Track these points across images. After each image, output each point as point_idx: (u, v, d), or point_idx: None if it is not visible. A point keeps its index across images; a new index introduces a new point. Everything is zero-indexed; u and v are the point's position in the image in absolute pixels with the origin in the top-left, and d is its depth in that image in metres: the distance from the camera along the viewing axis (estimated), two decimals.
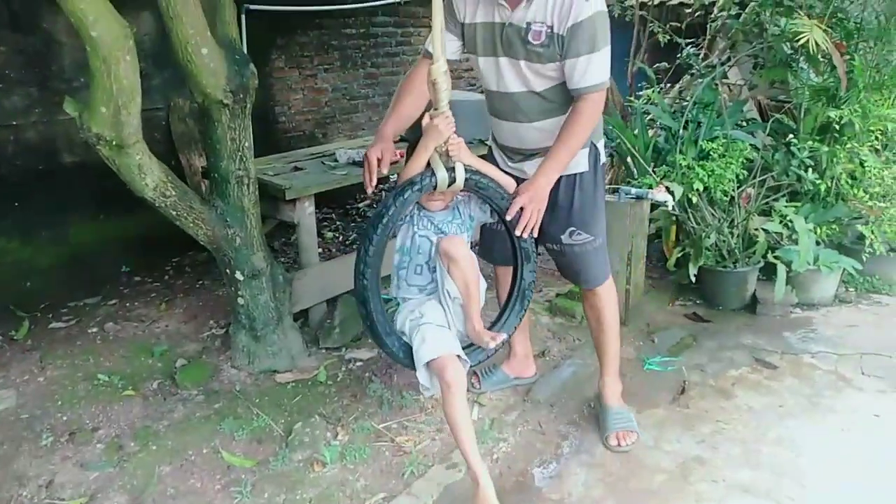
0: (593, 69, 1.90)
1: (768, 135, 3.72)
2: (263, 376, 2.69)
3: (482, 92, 2.24)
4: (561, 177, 2.06)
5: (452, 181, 1.84)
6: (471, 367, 2.01)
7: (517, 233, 1.96)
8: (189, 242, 4.08)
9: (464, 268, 1.90)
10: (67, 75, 3.58)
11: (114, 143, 2.02)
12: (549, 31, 1.89)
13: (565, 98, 1.98)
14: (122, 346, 3.00)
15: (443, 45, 1.76)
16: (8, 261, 3.51)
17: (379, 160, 1.98)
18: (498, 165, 2.17)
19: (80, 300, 3.50)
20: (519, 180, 2.08)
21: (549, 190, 1.99)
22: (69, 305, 3.45)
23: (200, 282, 3.76)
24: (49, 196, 3.61)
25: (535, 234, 2.02)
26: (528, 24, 1.90)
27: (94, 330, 3.19)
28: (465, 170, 1.86)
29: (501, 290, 2.41)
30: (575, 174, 2.09)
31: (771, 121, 3.67)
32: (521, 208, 1.93)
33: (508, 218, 1.94)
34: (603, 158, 2.18)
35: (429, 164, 1.85)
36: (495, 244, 2.30)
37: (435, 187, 1.84)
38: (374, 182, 1.99)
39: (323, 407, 2.47)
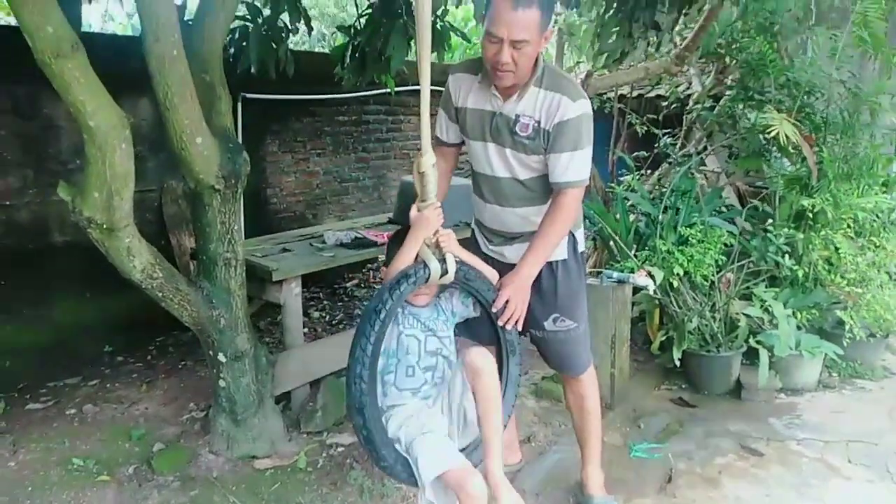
0: (574, 166, 1.98)
1: (745, 220, 3.85)
2: (242, 462, 2.63)
3: (468, 176, 2.32)
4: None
5: (444, 273, 1.82)
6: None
7: (501, 323, 1.94)
8: (173, 323, 4.06)
9: (488, 384, 1.80)
10: (63, 157, 3.68)
11: (105, 226, 2.07)
12: (536, 125, 1.98)
13: (545, 188, 2.06)
14: (100, 429, 2.93)
15: (429, 137, 1.84)
16: None
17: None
18: (479, 246, 2.23)
19: (61, 380, 3.45)
20: (497, 263, 2.13)
21: (531, 282, 2.02)
22: (48, 385, 3.39)
23: (183, 362, 3.72)
24: (36, 275, 3.63)
25: (520, 327, 2.01)
26: (518, 115, 1.99)
27: (73, 412, 3.12)
28: (455, 260, 1.85)
29: None
30: (556, 261, 2.14)
31: (747, 207, 3.79)
32: (507, 301, 1.93)
33: (495, 310, 1.94)
34: (581, 247, 2.24)
35: (418, 256, 1.83)
36: (478, 326, 2.30)
37: (428, 279, 1.81)
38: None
39: (301, 496, 2.41)
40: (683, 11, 3.41)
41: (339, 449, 2.73)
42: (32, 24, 1.70)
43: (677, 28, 5.00)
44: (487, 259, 2.19)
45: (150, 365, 3.71)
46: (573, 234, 2.18)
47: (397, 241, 1.90)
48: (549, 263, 2.13)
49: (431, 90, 1.78)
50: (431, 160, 1.81)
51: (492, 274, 1.98)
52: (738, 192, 4.55)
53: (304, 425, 2.86)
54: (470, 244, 2.30)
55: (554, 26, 6.47)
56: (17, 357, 3.53)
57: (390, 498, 2.38)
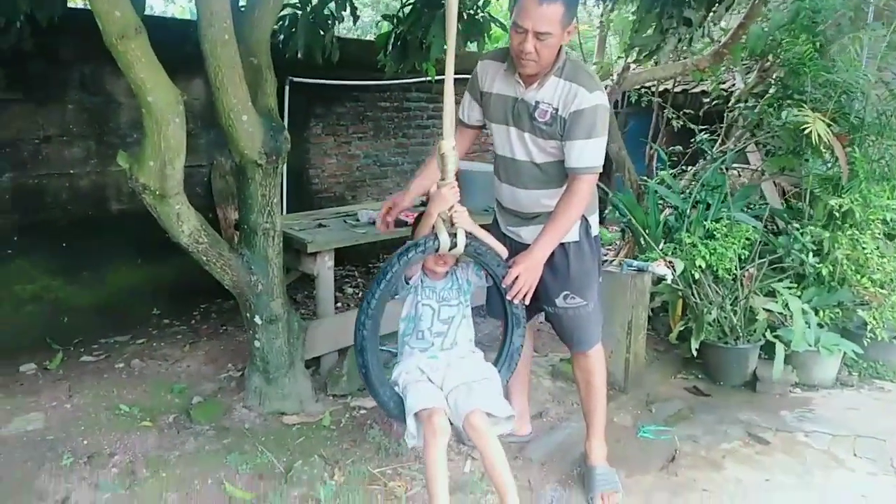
0: (588, 153, 2.09)
1: (777, 217, 3.87)
2: (272, 417, 2.84)
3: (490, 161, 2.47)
4: None
5: (454, 246, 1.97)
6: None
7: (509, 298, 2.09)
8: (216, 291, 4.34)
9: (488, 444, 1.97)
10: (122, 131, 3.95)
11: (157, 192, 2.28)
12: (554, 112, 2.11)
13: (560, 173, 2.19)
14: (145, 382, 3.19)
15: (453, 123, 1.98)
16: (50, 297, 3.78)
17: (394, 205, 2.32)
18: (498, 226, 2.37)
19: (112, 338, 3.74)
20: (514, 242, 2.26)
21: (543, 262, 2.13)
22: (100, 342, 3.69)
23: (224, 328, 3.98)
24: (93, 240, 3.91)
25: (527, 302, 2.14)
26: (538, 102, 2.13)
27: (121, 365, 3.40)
28: (466, 236, 2.00)
29: None
30: (568, 243, 2.26)
31: (768, 207, 3.82)
32: (517, 277, 2.07)
33: (504, 286, 2.07)
34: (595, 231, 2.35)
35: (433, 228, 2.00)
36: (495, 301, 2.45)
37: (437, 250, 1.97)
38: (386, 223, 2.33)
39: (324, 449, 2.61)
40: (713, 9, 3.44)
41: (362, 411, 2.92)
42: (103, 9, 1.91)
43: (721, 24, 5.02)
44: (505, 238, 2.34)
45: (194, 328, 3.98)
46: (586, 219, 2.29)
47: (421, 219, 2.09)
48: (563, 245, 2.26)
49: (459, 78, 1.94)
50: (452, 143, 1.97)
51: (501, 249, 2.12)
52: (783, 192, 4.54)
53: (330, 388, 3.06)
54: (491, 224, 2.46)
55: (601, 19, 6.51)
56: (75, 314, 3.83)
57: (404, 456, 2.56)
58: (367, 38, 8.53)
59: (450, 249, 1.98)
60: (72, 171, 3.80)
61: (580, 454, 2.55)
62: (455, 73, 1.94)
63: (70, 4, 3.79)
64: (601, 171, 2.15)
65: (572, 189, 2.13)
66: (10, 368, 3.29)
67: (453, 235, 1.97)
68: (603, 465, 2.42)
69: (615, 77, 5.42)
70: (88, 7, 2.05)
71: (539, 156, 2.21)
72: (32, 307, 3.71)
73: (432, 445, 1.92)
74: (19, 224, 3.65)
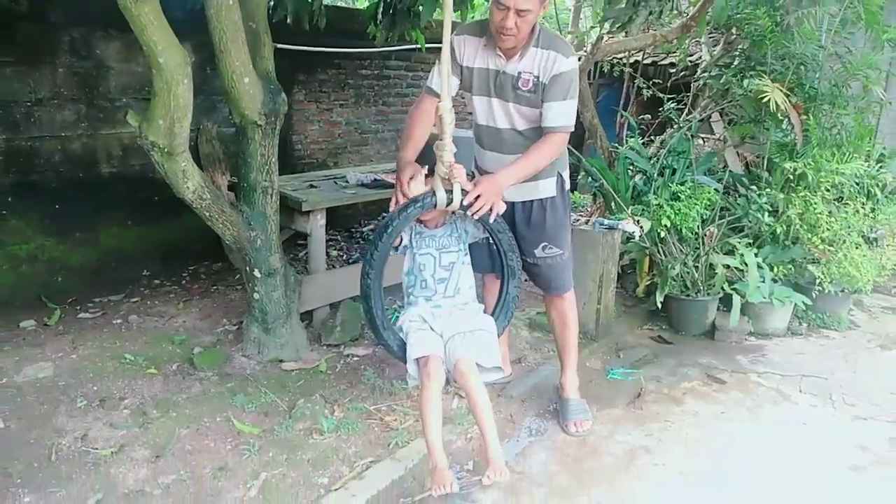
0: (563, 113, 2.31)
1: (737, 182, 4.16)
2: (271, 364, 3.04)
3: (470, 128, 2.66)
4: (534, 201, 2.48)
5: (450, 202, 2.14)
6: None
7: (470, 213, 2.15)
8: (205, 253, 4.48)
9: (474, 388, 2.15)
10: (112, 96, 4.02)
11: (166, 150, 2.43)
12: (535, 79, 2.31)
13: (539, 137, 2.37)
14: (145, 335, 3.35)
15: (448, 84, 2.16)
16: (44, 257, 3.89)
17: (411, 179, 2.24)
18: None
19: (106, 296, 3.87)
20: None
21: (504, 188, 2.24)
22: (95, 300, 3.82)
23: (215, 287, 4.13)
24: (85, 202, 4.01)
25: (491, 220, 2.20)
26: (520, 73, 2.32)
27: (119, 321, 3.55)
28: (462, 192, 2.17)
29: (489, 297, 2.77)
30: (545, 198, 2.49)
31: (728, 172, 4.09)
32: (479, 195, 2.15)
33: (466, 202, 2.14)
34: (567, 185, 2.58)
35: (430, 184, 2.19)
36: (477, 255, 2.66)
37: (435, 206, 2.14)
38: (402, 199, 2.21)
39: (323, 390, 2.82)
40: None
41: (355, 358, 3.14)
42: None
43: None
44: None
45: (185, 288, 4.12)
46: (560, 175, 2.52)
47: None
48: (541, 200, 2.48)
49: (438, 47, 2.12)
50: (449, 105, 2.15)
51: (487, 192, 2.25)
52: (746, 162, 4.83)
53: (324, 339, 3.26)
54: None
55: None
56: (68, 274, 3.95)
57: (397, 395, 2.79)
58: (343, 4, 8.55)
59: (447, 205, 2.16)
60: (63, 134, 3.88)
61: (555, 388, 2.81)
62: (434, 42, 2.10)
63: None
64: (573, 129, 2.35)
65: (546, 140, 2.31)
66: (11, 324, 3.41)
67: (450, 192, 2.15)
68: (576, 396, 2.69)
69: (589, 48, 5.62)
70: None
71: (521, 123, 2.41)
72: (27, 266, 3.82)
73: (426, 388, 2.13)
74: (13, 185, 3.73)
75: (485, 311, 2.44)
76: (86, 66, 3.87)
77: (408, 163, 2.30)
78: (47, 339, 3.26)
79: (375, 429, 2.56)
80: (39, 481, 2.20)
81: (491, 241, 2.38)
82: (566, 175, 2.58)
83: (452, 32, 2.40)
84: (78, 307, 3.71)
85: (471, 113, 2.55)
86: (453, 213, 2.28)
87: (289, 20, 3.45)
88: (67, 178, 3.94)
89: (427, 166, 2.28)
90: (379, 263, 2.18)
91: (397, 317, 2.41)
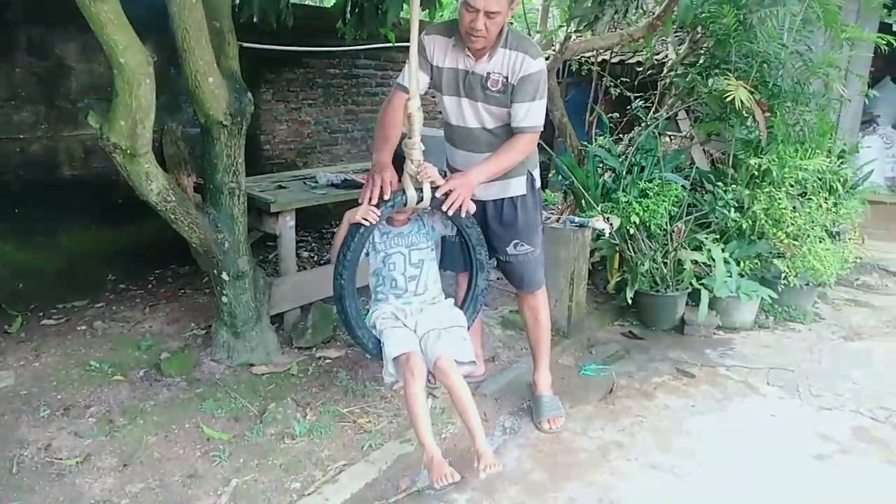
0: (532, 113, 2.33)
1: (703, 179, 4.22)
2: (241, 368, 3.00)
3: (440, 127, 2.66)
4: (504, 199, 2.50)
5: (420, 199, 2.18)
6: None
7: (444, 208, 2.19)
8: (171, 256, 4.39)
9: (455, 384, 2.21)
10: (73, 97, 3.93)
11: (128, 151, 2.37)
12: (504, 80, 2.33)
13: (509, 135, 2.40)
14: (111, 341, 3.28)
15: (417, 83, 2.15)
16: (4, 263, 3.78)
17: (383, 182, 2.21)
18: None
19: (69, 302, 3.77)
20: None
21: (476, 184, 2.28)
22: (58, 306, 3.71)
23: (182, 291, 4.05)
24: (46, 205, 3.91)
25: (463, 214, 2.23)
26: (489, 73, 2.33)
27: (83, 328, 3.46)
28: (431, 189, 2.19)
29: (460, 293, 2.76)
30: (516, 196, 2.51)
31: (695, 168, 4.15)
32: (450, 190, 2.20)
33: (438, 195, 2.18)
34: (538, 184, 2.60)
35: (400, 184, 2.20)
36: (450, 255, 2.67)
37: (405, 204, 2.18)
38: (375, 198, 2.18)
39: (294, 393, 2.79)
40: None
41: (327, 361, 3.10)
42: None
43: None
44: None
45: (151, 292, 4.04)
46: (531, 173, 2.54)
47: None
48: (511, 199, 2.49)
49: (407, 46, 2.12)
50: (418, 104, 2.15)
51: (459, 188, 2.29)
52: (713, 160, 4.91)
53: (295, 341, 3.22)
54: None
55: None
56: (30, 279, 3.84)
57: (370, 397, 2.77)
58: (309, 2, 8.48)
59: (417, 203, 2.18)
60: (22, 136, 3.77)
61: (528, 386, 2.82)
62: (407, 41, 2.12)
63: None
64: (542, 129, 2.38)
65: (516, 140, 2.35)
66: None
67: (419, 190, 2.17)
68: (549, 393, 2.70)
69: (557, 46, 5.66)
70: None
71: (490, 122, 2.42)
72: None
73: (411, 384, 2.17)
74: None
75: (455, 304, 2.49)
76: (45, 67, 3.77)
77: (385, 165, 2.28)
78: (8, 348, 3.16)
79: (348, 431, 2.54)
80: (0, 495, 2.13)
81: (460, 236, 2.41)
82: (536, 174, 2.60)
83: (422, 32, 2.40)
84: (40, 314, 3.61)
85: (441, 112, 2.55)
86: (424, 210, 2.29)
87: (255, 19, 3.39)
88: (27, 181, 3.84)
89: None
90: (351, 264, 2.21)
91: (368, 316, 2.40)
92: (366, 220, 2.14)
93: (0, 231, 3.75)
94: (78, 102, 3.93)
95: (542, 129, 2.37)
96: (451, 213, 2.21)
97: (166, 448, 2.42)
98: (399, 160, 2.23)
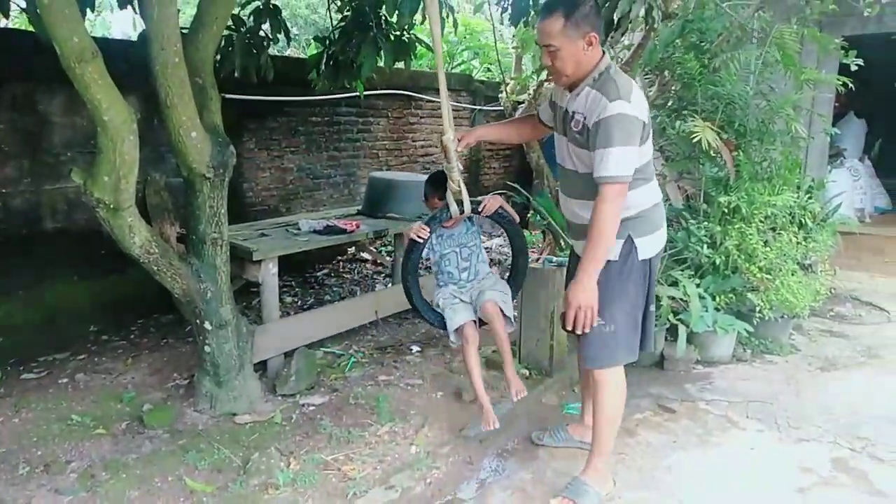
0: (606, 162, 2.07)
1: (677, 216, 4.33)
2: (224, 418, 2.99)
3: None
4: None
5: (462, 212, 2.56)
6: None
7: (569, 327, 2.22)
8: (153, 306, 4.40)
9: (498, 328, 2.71)
10: (56, 151, 3.97)
11: (112, 206, 2.42)
12: (584, 121, 2.16)
13: (594, 185, 2.13)
14: (92, 394, 3.26)
15: (450, 120, 2.42)
16: None
17: (459, 140, 2.45)
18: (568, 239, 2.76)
19: (51, 355, 3.76)
20: (575, 256, 2.46)
21: (591, 286, 2.13)
22: (39, 360, 3.70)
23: (165, 340, 4.05)
24: (29, 258, 3.91)
25: (586, 329, 2.17)
26: (573, 112, 2.20)
27: (65, 381, 3.44)
28: (471, 202, 2.57)
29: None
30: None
31: (668, 204, 4.26)
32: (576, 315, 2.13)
33: (567, 325, 2.22)
34: (641, 255, 2.26)
35: (445, 201, 2.58)
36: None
37: (450, 217, 2.58)
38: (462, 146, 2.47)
39: (278, 442, 2.78)
40: (610, 33, 3.87)
41: (311, 407, 3.11)
42: (62, 35, 2.05)
43: (625, 41, 5.51)
44: (572, 252, 2.54)
45: (134, 343, 4.03)
46: (632, 238, 2.24)
47: (430, 181, 2.80)
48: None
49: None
50: (451, 136, 2.40)
51: (490, 206, 2.63)
52: (687, 195, 5.04)
53: (279, 389, 3.23)
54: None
55: (514, 36, 6.89)
56: (10, 334, 3.82)
57: (355, 443, 2.77)
58: (288, 53, 8.66)
59: (460, 214, 2.57)
60: (3, 190, 3.80)
61: (516, 431, 2.83)
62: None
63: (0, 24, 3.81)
64: (626, 181, 2.10)
65: (596, 201, 2.11)
66: None
67: (460, 203, 2.54)
68: (590, 481, 2.41)
69: (531, 92, 5.83)
70: (22, 28, 2.17)
71: (579, 165, 2.25)
72: None
73: (467, 348, 2.69)
74: None
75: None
76: (28, 122, 3.83)
77: (472, 131, 2.59)
78: None
79: (333, 479, 2.54)
80: None
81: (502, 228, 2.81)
82: (644, 241, 2.26)
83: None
84: (21, 367, 3.59)
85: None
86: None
87: (236, 74, 3.49)
88: (10, 235, 3.85)
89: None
90: (414, 269, 2.68)
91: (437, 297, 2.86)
92: (419, 236, 2.59)
93: None
94: (61, 156, 3.98)
95: (623, 180, 2.09)
96: (578, 331, 2.22)
97: (149, 502, 2.40)
98: (443, 181, 2.58)
